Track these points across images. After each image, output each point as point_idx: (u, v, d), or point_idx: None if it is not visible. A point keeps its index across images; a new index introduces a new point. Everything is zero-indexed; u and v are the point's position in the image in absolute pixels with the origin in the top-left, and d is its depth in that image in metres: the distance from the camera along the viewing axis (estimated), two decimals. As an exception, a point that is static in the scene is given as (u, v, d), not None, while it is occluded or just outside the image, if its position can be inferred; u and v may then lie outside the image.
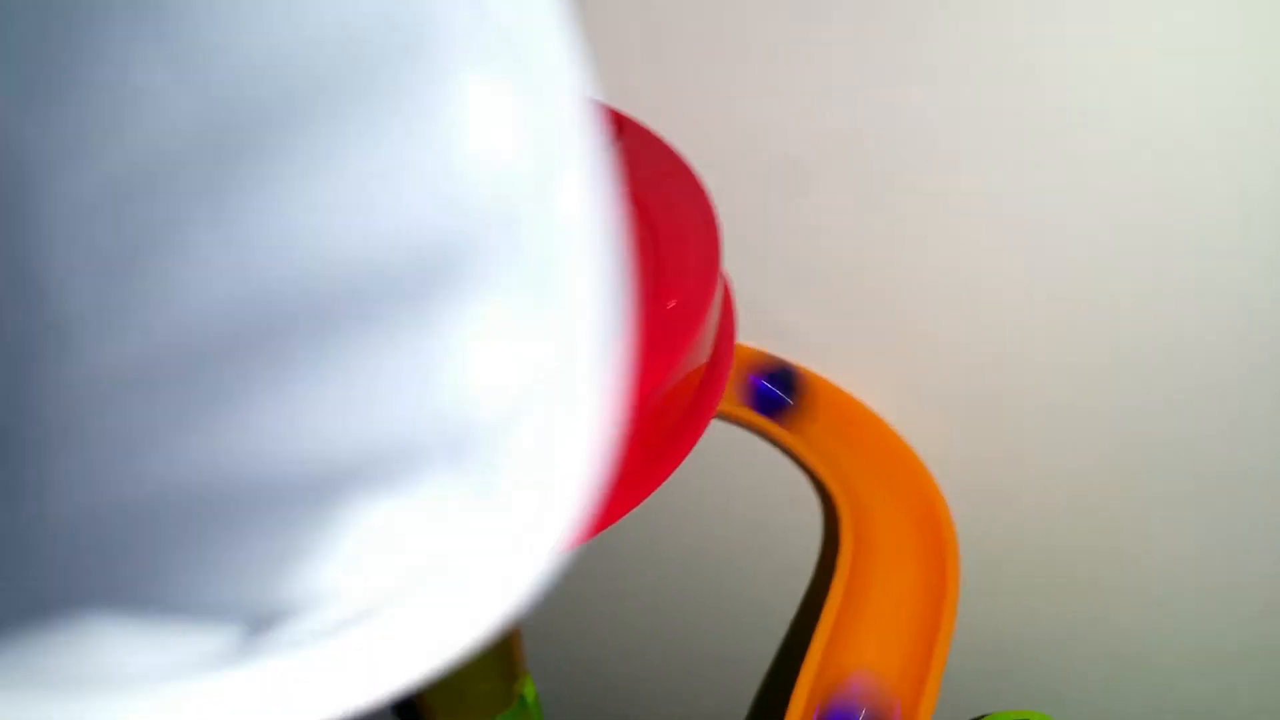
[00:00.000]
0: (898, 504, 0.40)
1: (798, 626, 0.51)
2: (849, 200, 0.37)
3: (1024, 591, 0.45)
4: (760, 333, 0.43)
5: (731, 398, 0.42)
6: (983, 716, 0.45)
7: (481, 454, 0.14)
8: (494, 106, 0.13)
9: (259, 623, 0.13)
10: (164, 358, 0.16)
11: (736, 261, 0.40)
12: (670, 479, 0.41)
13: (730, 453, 0.47)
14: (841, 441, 0.41)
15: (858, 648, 0.36)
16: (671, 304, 0.29)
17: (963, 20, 0.31)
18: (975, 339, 0.39)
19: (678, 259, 0.31)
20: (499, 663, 0.39)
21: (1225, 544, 0.40)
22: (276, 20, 0.14)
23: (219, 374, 0.16)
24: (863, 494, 0.40)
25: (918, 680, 0.35)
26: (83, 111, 0.16)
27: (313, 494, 0.14)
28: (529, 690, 0.42)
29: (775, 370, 0.42)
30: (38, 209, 0.16)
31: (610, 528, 0.41)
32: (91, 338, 0.16)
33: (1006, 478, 0.42)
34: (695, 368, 0.31)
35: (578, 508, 0.13)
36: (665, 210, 0.33)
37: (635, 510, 0.41)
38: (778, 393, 0.42)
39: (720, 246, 0.32)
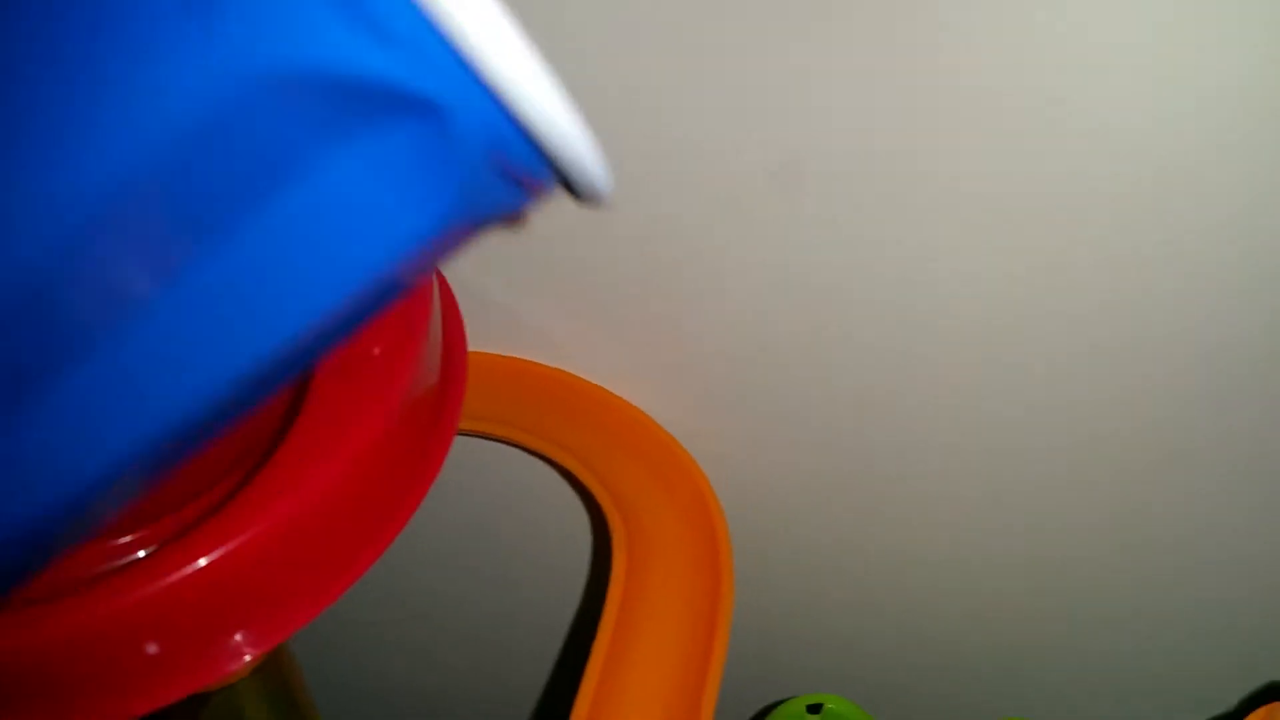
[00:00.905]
0: (665, 497, 0.41)
1: (575, 632, 0.53)
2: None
3: (796, 579, 0.47)
4: (521, 341, 0.43)
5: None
6: (777, 703, 0.46)
7: None
8: None
9: None
10: None
11: (489, 270, 0.40)
12: (433, 502, 0.41)
13: (490, 466, 0.47)
14: (595, 436, 0.42)
15: (638, 654, 0.36)
16: (377, 350, 0.29)
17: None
18: (738, 334, 0.40)
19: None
20: (282, 715, 0.39)
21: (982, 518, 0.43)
22: None
23: None
24: (627, 494, 0.41)
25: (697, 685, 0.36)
26: None
27: None
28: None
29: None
30: None
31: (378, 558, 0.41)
32: None
33: (776, 472, 0.44)
34: (426, 390, 0.31)
35: None
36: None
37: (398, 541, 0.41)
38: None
39: (430, 282, 0.31)
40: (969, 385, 0.38)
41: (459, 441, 0.43)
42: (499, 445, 0.45)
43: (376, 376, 0.28)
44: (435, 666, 0.58)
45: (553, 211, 0.37)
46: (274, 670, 0.37)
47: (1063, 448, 0.39)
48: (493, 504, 0.49)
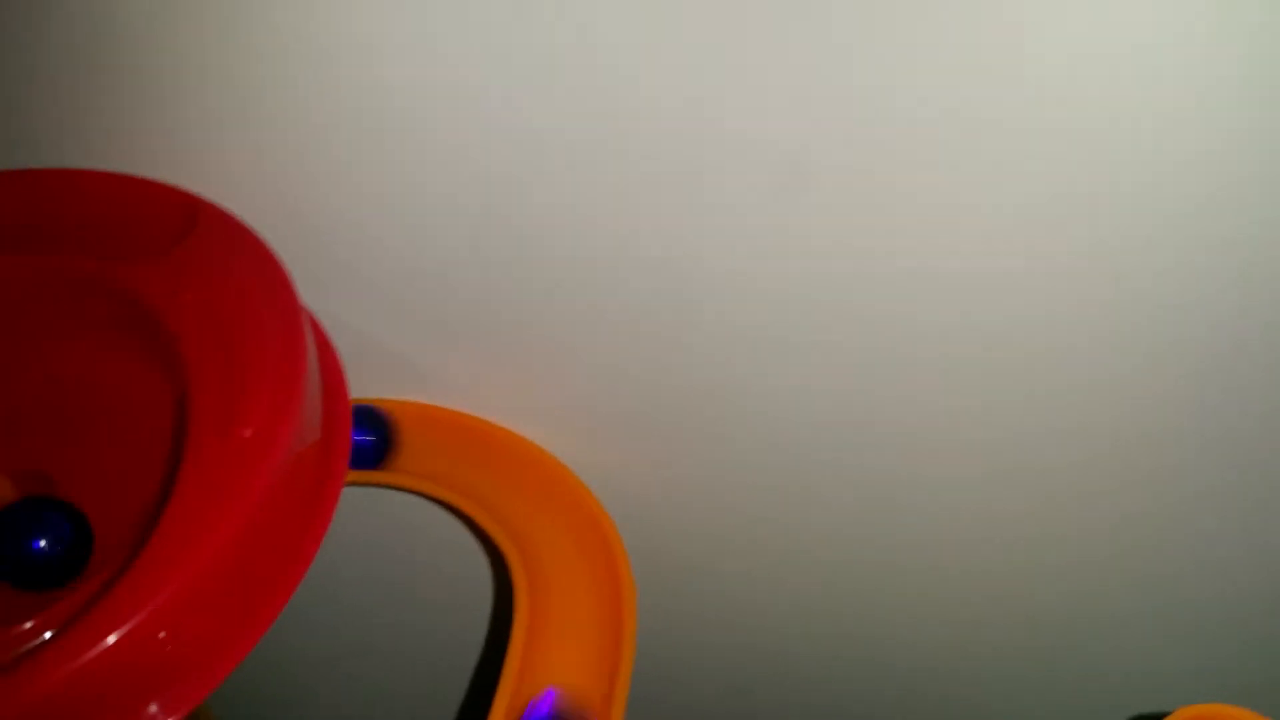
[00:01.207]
0: (562, 528, 0.43)
1: (483, 667, 0.54)
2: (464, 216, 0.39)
3: (699, 602, 0.49)
4: (403, 382, 0.44)
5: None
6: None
7: None
8: None
9: None
10: None
11: (367, 311, 0.41)
12: (333, 552, 0.42)
13: (385, 513, 0.49)
14: (485, 474, 0.44)
15: (548, 669, 0.38)
16: (248, 433, 0.30)
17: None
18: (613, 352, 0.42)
19: (257, 370, 0.32)
20: None
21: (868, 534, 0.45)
22: None
23: None
24: (513, 518, 0.42)
25: (606, 695, 0.37)
26: None
27: None
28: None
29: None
30: None
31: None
32: None
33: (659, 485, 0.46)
34: (308, 448, 0.32)
35: None
36: (242, 311, 0.34)
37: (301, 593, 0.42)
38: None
39: (304, 350, 0.33)
40: (935, 406, 0.40)
41: (352, 491, 0.44)
42: (392, 491, 0.46)
43: (249, 455, 0.30)
44: (347, 705, 0.59)
45: (429, 246, 0.39)
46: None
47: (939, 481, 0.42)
48: (391, 549, 0.51)
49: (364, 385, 0.43)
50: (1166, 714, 0.35)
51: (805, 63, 0.32)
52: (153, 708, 0.28)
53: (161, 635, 0.28)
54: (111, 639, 0.27)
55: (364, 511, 0.48)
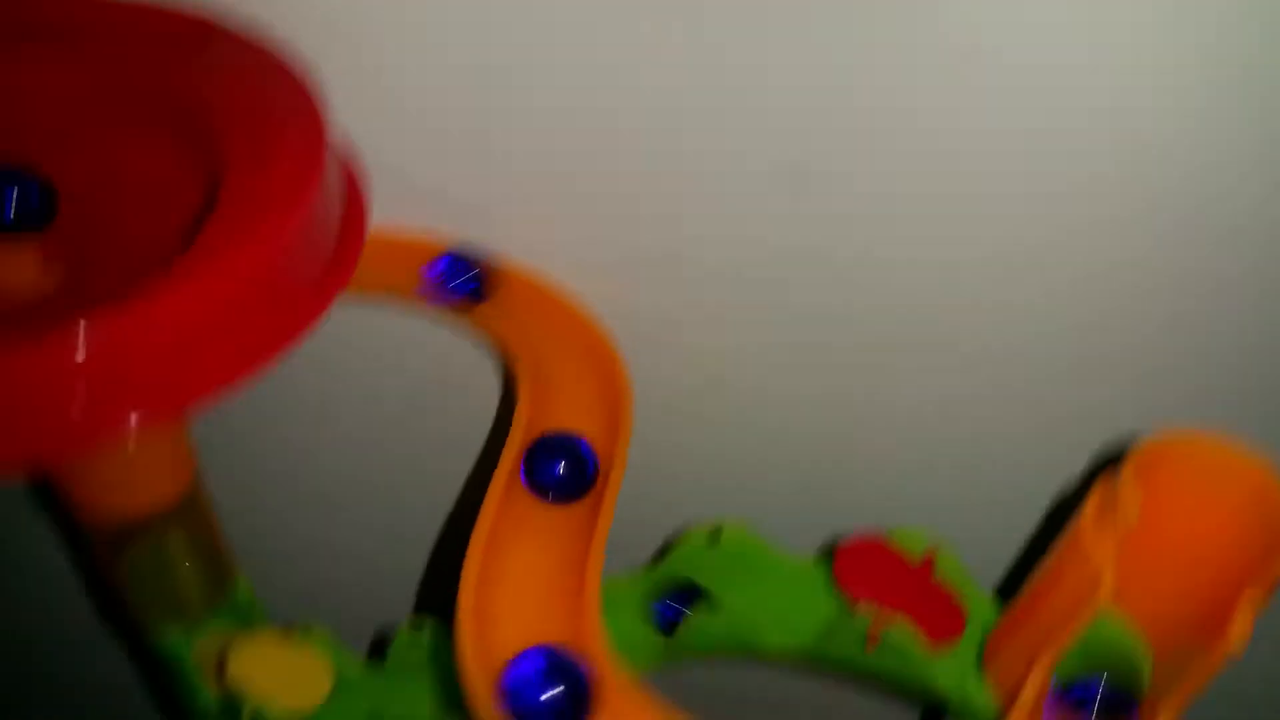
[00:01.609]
0: (565, 345, 0.46)
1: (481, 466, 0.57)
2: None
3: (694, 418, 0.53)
4: (430, 212, 0.47)
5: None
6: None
7: None
8: None
9: None
10: None
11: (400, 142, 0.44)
12: (338, 358, 0.44)
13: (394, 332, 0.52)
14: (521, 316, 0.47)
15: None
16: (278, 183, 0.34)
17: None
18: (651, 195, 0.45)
19: (280, 148, 0.36)
20: (204, 561, 0.43)
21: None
22: None
23: None
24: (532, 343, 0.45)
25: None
26: None
27: None
28: (242, 588, 0.46)
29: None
30: None
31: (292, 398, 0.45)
32: None
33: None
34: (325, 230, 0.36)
35: None
36: (265, 98, 0.37)
37: (309, 400, 0.45)
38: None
39: (324, 133, 0.36)
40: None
41: (357, 312, 0.47)
42: (403, 315, 0.49)
43: (283, 192, 0.33)
44: (344, 521, 0.62)
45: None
46: (194, 513, 0.41)
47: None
48: (397, 361, 0.54)
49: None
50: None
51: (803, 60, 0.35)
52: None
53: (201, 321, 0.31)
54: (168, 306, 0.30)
55: (363, 332, 0.51)
